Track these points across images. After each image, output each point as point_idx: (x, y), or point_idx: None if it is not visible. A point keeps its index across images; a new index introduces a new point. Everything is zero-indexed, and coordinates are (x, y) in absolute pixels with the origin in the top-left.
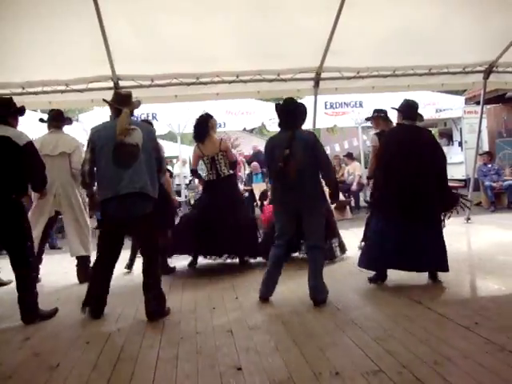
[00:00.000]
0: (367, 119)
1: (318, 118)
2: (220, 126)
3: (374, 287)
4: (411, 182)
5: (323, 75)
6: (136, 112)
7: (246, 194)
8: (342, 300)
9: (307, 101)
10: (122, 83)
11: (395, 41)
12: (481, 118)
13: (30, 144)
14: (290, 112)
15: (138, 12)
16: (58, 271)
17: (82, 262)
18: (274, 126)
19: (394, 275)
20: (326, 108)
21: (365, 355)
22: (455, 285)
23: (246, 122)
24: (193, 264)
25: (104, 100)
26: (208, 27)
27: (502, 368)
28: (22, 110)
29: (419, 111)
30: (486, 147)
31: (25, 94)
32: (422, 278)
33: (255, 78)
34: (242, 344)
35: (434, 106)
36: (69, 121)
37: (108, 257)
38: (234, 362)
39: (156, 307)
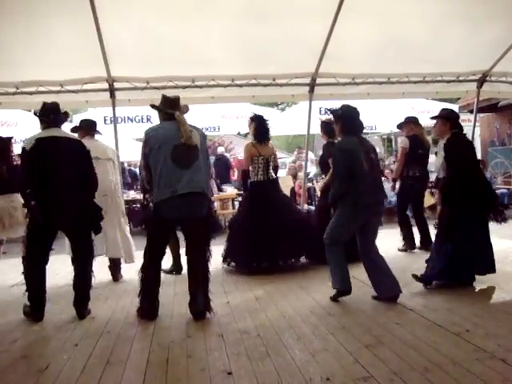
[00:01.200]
0: (399, 127)
1: (313, 123)
2: (214, 129)
3: (364, 293)
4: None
5: (318, 81)
6: (130, 114)
7: (240, 199)
8: (333, 305)
9: (302, 106)
10: (117, 85)
11: (390, 48)
12: (474, 126)
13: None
14: (358, 117)
15: (134, 14)
16: (49, 273)
17: (116, 262)
18: None
19: None
20: (320, 113)
21: (356, 361)
22: (446, 292)
23: (241, 127)
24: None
25: (152, 105)
26: (204, 31)
27: (491, 375)
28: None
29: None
30: (478, 156)
31: (18, 94)
32: (415, 284)
33: (251, 82)
34: (233, 348)
35: (428, 113)
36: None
37: (157, 257)
38: (224, 367)
39: (204, 307)
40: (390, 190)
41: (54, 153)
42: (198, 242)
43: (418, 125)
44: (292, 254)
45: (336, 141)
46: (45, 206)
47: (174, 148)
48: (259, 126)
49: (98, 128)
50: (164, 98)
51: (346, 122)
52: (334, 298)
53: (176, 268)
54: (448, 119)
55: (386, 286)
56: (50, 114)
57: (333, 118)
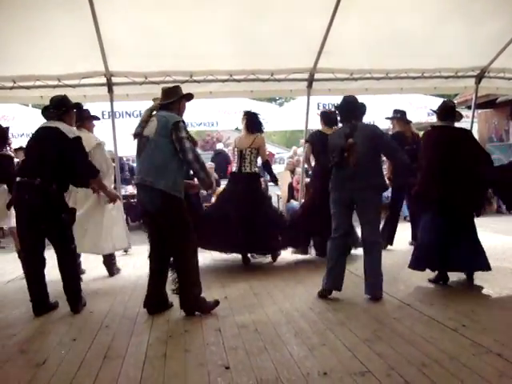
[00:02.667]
0: (387, 118)
1: (311, 118)
2: (212, 124)
3: (361, 288)
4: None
5: (316, 76)
6: (128, 109)
7: None
8: (331, 301)
9: (300, 101)
10: (115, 80)
11: (389, 44)
12: (472, 122)
13: (79, 139)
14: (350, 103)
15: (132, 8)
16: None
17: (108, 257)
18: (267, 126)
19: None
20: (318, 109)
21: (353, 356)
22: (444, 287)
23: (239, 122)
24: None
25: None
26: (202, 25)
27: (488, 370)
28: (76, 106)
29: (414, 113)
30: None
31: (16, 88)
32: (413, 279)
33: (249, 77)
34: (231, 343)
35: (426, 109)
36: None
37: (152, 248)
38: (222, 361)
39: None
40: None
41: (30, 142)
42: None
43: (402, 121)
44: (262, 248)
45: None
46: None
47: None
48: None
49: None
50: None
51: (340, 112)
52: None
53: None
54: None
55: (366, 283)
56: (49, 108)
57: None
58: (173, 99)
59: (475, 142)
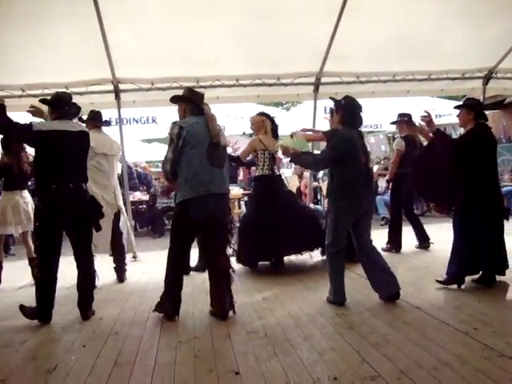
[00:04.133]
0: (392, 123)
1: (318, 122)
2: None
3: (371, 292)
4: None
5: (323, 80)
6: (136, 115)
7: (246, 199)
8: (339, 305)
9: (307, 106)
10: (122, 86)
11: (395, 46)
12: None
13: None
14: (359, 111)
15: (138, 15)
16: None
17: (120, 263)
18: None
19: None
20: (325, 113)
21: (363, 360)
22: (453, 290)
23: (246, 126)
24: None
25: (182, 97)
26: (208, 31)
27: (500, 374)
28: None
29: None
30: None
31: (24, 97)
32: (422, 282)
33: (255, 82)
34: (240, 348)
35: (433, 111)
36: (106, 123)
37: (183, 255)
38: (231, 367)
39: (229, 306)
40: (384, 189)
41: (62, 148)
42: (222, 241)
43: (409, 124)
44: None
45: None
46: (48, 203)
47: (210, 146)
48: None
49: (107, 120)
50: (192, 90)
51: (347, 113)
52: None
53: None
54: (471, 108)
55: (382, 283)
56: (65, 105)
57: (334, 107)
58: (202, 104)
59: None
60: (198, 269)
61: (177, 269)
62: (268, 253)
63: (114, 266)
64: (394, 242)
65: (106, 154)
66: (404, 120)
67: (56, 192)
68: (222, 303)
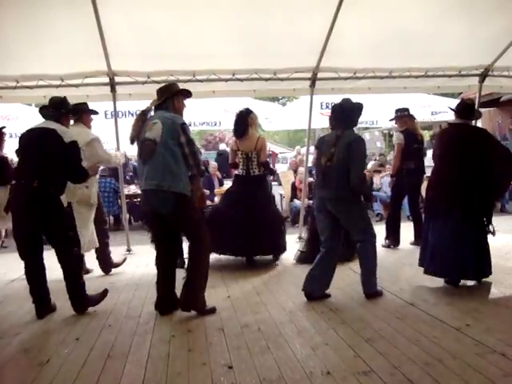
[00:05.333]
0: (392, 120)
1: (314, 118)
2: (215, 124)
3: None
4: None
5: (320, 75)
6: (131, 108)
7: None
8: (334, 300)
9: (303, 101)
10: (117, 79)
11: (392, 42)
12: (476, 121)
13: (75, 144)
14: (340, 112)
15: (135, 8)
16: (48, 267)
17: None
18: (269, 126)
19: (386, 276)
20: (321, 108)
21: (356, 355)
22: (447, 287)
23: None
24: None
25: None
26: (205, 24)
27: (492, 370)
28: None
29: (416, 112)
30: None
31: (19, 88)
32: (416, 278)
33: (252, 76)
34: (234, 342)
35: (429, 108)
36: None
37: (159, 250)
38: (225, 361)
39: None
40: (389, 185)
41: (26, 142)
42: (175, 237)
43: (411, 118)
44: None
45: None
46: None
47: (140, 143)
48: (234, 123)
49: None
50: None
51: (333, 116)
52: None
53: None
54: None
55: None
56: (48, 108)
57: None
58: (164, 98)
59: (492, 141)
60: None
61: (158, 263)
62: (226, 246)
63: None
64: (393, 238)
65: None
66: (405, 114)
67: (13, 189)
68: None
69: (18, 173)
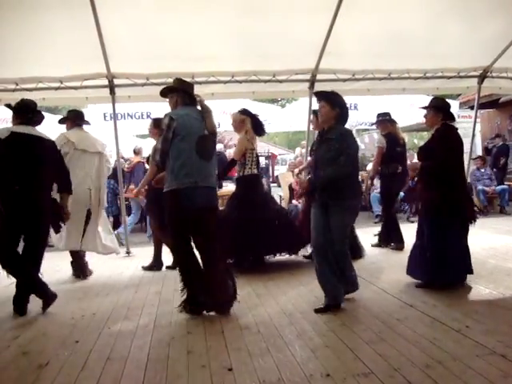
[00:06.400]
0: (374, 124)
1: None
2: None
3: (364, 288)
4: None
5: (319, 77)
6: (130, 110)
7: None
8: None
9: (302, 102)
10: (116, 81)
11: (391, 44)
12: (474, 122)
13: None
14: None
15: (133, 10)
16: (50, 268)
17: (78, 258)
18: (269, 127)
19: (385, 278)
20: None
21: (356, 357)
22: (447, 288)
23: None
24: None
25: (171, 88)
26: (204, 27)
27: (491, 371)
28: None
29: (415, 114)
30: (479, 152)
31: (18, 91)
32: (416, 280)
33: (251, 78)
34: (233, 344)
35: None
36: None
37: (186, 245)
38: (224, 363)
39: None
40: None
41: (26, 151)
42: (210, 233)
43: (392, 122)
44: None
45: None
46: (10, 206)
47: (200, 138)
48: (259, 121)
49: (88, 120)
50: (182, 80)
51: (342, 110)
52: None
53: (157, 264)
54: (439, 109)
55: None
56: (29, 113)
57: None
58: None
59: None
60: (151, 267)
61: (187, 264)
62: (244, 251)
63: (71, 260)
64: (396, 239)
65: (86, 150)
66: (386, 119)
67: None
68: (219, 294)
69: (15, 179)
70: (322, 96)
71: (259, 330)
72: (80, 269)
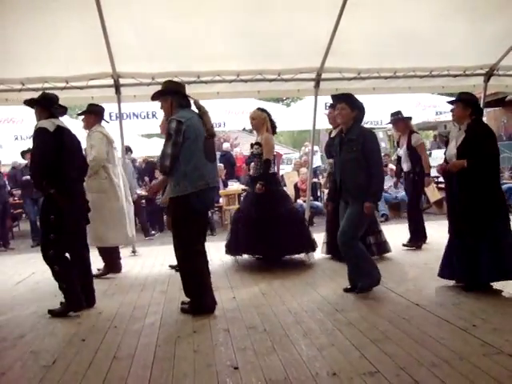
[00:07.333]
0: (389, 123)
1: (318, 118)
2: (219, 125)
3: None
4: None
5: (324, 76)
6: (136, 110)
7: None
8: (339, 301)
9: (307, 101)
10: (122, 81)
11: (396, 42)
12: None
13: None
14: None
15: (139, 10)
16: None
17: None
18: None
19: (392, 277)
20: (326, 109)
21: (362, 356)
22: (452, 287)
23: (246, 122)
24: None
25: (162, 91)
26: (209, 26)
27: (498, 371)
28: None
29: (420, 113)
30: None
31: (24, 91)
32: (422, 279)
33: (256, 77)
34: (239, 343)
35: (434, 108)
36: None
37: (204, 247)
38: (230, 362)
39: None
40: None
41: (70, 143)
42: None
43: (408, 119)
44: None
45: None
46: (70, 201)
47: (205, 140)
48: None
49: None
50: (174, 82)
51: (361, 113)
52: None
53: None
54: (468, 103)
55: None
56: (55, 106)
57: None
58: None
59: None
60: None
61: (200, 263)
62: (257, 247)
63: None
64: (419, 237)
65: (115, 146)
66: (405, 118)
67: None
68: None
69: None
70: (341, 98)
71: (265, 329)
72: (113, 263)
